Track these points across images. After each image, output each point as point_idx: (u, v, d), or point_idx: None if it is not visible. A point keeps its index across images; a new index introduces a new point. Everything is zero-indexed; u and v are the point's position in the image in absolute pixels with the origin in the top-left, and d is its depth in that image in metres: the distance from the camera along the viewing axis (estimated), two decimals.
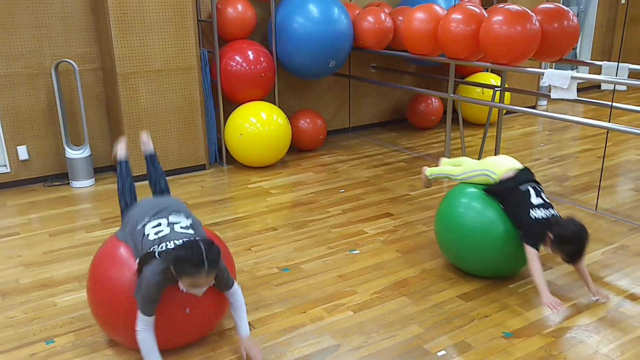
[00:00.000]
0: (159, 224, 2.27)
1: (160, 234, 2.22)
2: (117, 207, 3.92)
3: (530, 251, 2.59)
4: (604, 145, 4.10)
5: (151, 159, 2.85)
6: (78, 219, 3.80)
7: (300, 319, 2.59)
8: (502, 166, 2.85)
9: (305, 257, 3.20)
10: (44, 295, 2.83)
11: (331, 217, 3.76)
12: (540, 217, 2.60)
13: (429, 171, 3.37)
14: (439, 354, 2.32)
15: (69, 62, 4.25)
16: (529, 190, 2.70)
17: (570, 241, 2.51)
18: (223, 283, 2.23)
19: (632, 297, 2.74)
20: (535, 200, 2.66)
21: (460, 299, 2.74)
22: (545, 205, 2.66)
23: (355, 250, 3.28)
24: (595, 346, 2.36)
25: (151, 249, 2.16)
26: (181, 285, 2.09)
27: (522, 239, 2.64)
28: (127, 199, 2.64)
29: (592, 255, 3.16)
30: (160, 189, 2.77)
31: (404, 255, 3.20)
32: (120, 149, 2.83)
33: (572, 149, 5.36)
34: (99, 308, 2.30)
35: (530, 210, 2.62)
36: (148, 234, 2.23)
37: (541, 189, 2.76)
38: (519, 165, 2.86)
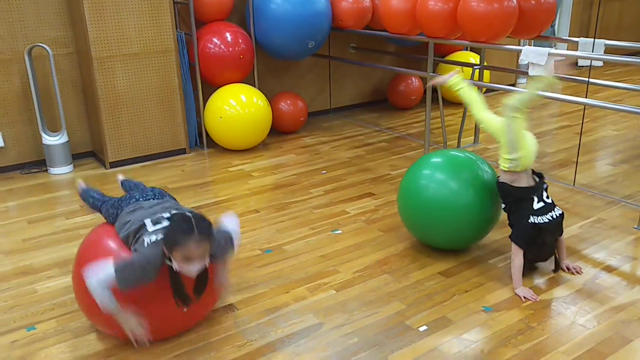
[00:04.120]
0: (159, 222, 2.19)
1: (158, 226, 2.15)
2: None
3: (515, 250, 2.62)
4: (581, 121, 4.15)
5: (124, 181, 2.84)
6: (57, 206, 3.76)
7: (284, 299, 2.60)
8: (528, 147, 2.65)
9: (287, 238, 3.21)
10: (24, 282, 2.80)
11: (313, 198, 3.77)
12: (537, 222, 2.59)
13: (455, 78, 2.97)
14: (421, 329, 2.36)
15: (43, 47, 4.16)
16: (533, 198, 2.63)
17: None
18: (221, 253, 2.19)
19: (608, 269, 2.80)
20: (536, 205, 2.61)
21: (441, 275, 2.78)
22: (546, 209, 2.62)
23: (337, 230, 3.30)
24: (572, 317, 2.42)
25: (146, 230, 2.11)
26: (175, 264, 2.01)
27: (512, 238, 2.64)
28: (112, 213, 2.40)
29: (569, 230, 3.21)
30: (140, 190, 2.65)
31: (386, 234, 3.23)
32: (80, 185, 2.76)
33: (550, 125, 5.41)
34: (83, 295, 2.27)
35: (530, 216, 2.60)
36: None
37: (545, 188, 2.69)
38: (534, 153, 2.71)
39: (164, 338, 2.30)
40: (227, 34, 4.67)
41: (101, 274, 1.98)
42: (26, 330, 2.41)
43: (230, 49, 4.65)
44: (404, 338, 2.30)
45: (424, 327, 2.37)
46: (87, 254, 2.24)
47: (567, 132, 5.17)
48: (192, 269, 2.03)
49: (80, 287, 2.23)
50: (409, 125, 5.46)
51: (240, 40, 4.69)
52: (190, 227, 1.99)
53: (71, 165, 4.43)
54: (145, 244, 2.06)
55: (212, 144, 4.90)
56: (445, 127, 4.62)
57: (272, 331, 2.37)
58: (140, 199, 2.37)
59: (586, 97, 3.85)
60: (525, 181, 2.65)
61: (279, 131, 5.26)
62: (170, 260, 2.04)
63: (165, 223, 2.12)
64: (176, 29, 4.54)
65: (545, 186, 2.69)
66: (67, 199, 3.88)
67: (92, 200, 2.60)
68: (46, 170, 4.39)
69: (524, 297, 2.55)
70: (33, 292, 2.71)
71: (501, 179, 2.70)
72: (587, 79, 3.96)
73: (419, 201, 2.85)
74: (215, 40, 4.63)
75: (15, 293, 2.70)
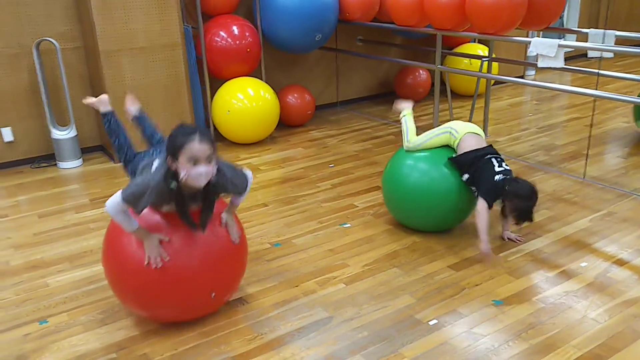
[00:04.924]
0: None
1: None
2: (106, 187, 3.93)
3: (482, 203, 2.77)
4: (592, 113, 4.12)
5: (141, 117, 2.81)
6: (67, 200, 3.78)
7: (293, 293, 2.60)
8: (464, 126, 3.02)
9: (296, 232, 3.21)
10: (36, 276, 2.82)
11: (321, 192, 3.77)
12: (501, 179, 2.80)
13: (405, 112, 3.32)
14: (431, 323, 2.36)
15: (51, 41, 4.17)
16: (492, 160, 2.87)
17: (521, 197, 2.73)
18: (221, 188, 2.22)
19: (620, 263, 2.78)
20: (498, 168, 2.84)
21: (450, 268, 2.78)
22: (507, 172, 2.84)
23: (345, 223, 3.30)
24: (583, 311, 2.41)
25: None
26: (182, 173, 2.01)
27: (479, 194, 2.82)
28: (126, 152, 2.58)
29: (579, 223, 3.20)
30: (157, 142, 2.70)
31: (394, 228, 3.22)
32: (103, 104, 2.77)
33: (559, 118, 5.37)
34: (115, 278, 2.28)
35: (495, 175, 2.81)
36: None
37: (502, 160, 2.92)
38: (480, 131, 3.04)
39: (192, 319, 2.36)
40: (234, 28, 4.65)
41: (113, 198, 2.07)
42: (39, 323, 2.43)
43: (237, 42, 4.64)
44: (414, 332, 2.30)
45: (434, 321, 2.37)
46: (114, 238, 2.27)
47: (577, 124, 5.13)
48: (199, 171, 2.01)
49: (111, 271, 2.29)
50: (417, 118, 5.34)
51: (247, 34, 4.68)
52: (192, 129, 2.04)
53: (80, 160, 4.44)
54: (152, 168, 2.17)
55: (219, 137, 4.90)
56: (453, 120, 4.59)
57: (282, 325, 2.38)
58: (154, 154, 2.43)
59: (596, 89, 3.81)
60: (475, 144, 2.92)
61: (287, 124, 5.25)
62: (174, 178, 2.05)
63: None
64: (183, 22, 4.53)
65: (499, 157, 2.92)
66: (77, 193, 3.90)
67: (119, 141, 2.64)
68: (55, 164, 4.41)
69: (485, 255, 2.74)
70: (44, 285, 2.73)
71: (453, 156, 2.96)
72: (597, 71, 3.92)
73: (403, 188, 3.04)
74: (222, 33, 4.62)
75: (27, 287, 2.72)
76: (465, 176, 2.90)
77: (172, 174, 2.06)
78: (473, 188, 2.92)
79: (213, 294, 2.29)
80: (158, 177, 2.08)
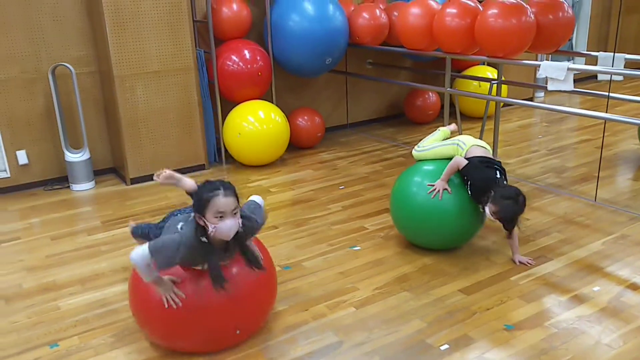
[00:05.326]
0: None
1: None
2: (118, 209, 3.96)
3: (461, 160, 2.93)
4: (602, 135, 4.10)
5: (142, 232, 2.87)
6: (79, 222, 3.81)
7: (303, 317, 2.60)
8: (471, 139, 3.15)
9: (306, 254, 3.22)
10: (47, 299, 2.84)
11: (331, 214, 3.77)
12: (494, 179, 2.90)
13: (444, 129, 3.49)
14: (442, 348, 2.34)
15: (66, 66, 4.25)
16: (497, 171, 2.95)
17: (506, 197, 2.78)
18: (248, 231, 2.27)
19: (633, 287, 2.75)
20: (498, 176, 2.93)
21: (461, 292, 2.76)
22: (502, 183, 2.93)
23: (356, 246, 3.29)
24: (597, 336, 2.38)
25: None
26: (211, 227, 2.08)
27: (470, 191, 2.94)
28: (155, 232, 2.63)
29: (592, 246, 3.17)
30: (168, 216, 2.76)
31: (405, 251, 3.21)
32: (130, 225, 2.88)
33: (570, 140, 5.36)
34: (141, 310, 2.31)
35: (492, 176, 2.90)
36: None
37: (506, 177, 3.00)
38: (487, 145, 3.16)
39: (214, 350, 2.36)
40: (246, 52, 4.73)
41: (139, 250, 2.10)
42: (49, 347, 2.44)
43: (249, 66, 4.70)
44: (425, 357, 2.28)
45: (445, 346, 2.35)
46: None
47: (587, 146, 5.11)
48: (227, 225, 2.09)
49: (135, 302, 2.32)
50: None
51: (258, 58, 4.75)
52: (215, 185, 2.11)
53: (93, 182, 4.49)
54: (178, 228, 2.22)
55: (230, 159, 4.94)
56: None
57: (292, 349, 2.37)
58: (178, 214, 2.50)
59: (607, 112, 3.81)
60: (480, 153, 3.04)
61: (297, 147, 5.28)
62: (204, 233, 2.11)
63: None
64: (196, 47, 4.61)
65: (504, 172, 3.00)
66: (89, 215, 3.93)
67: (141, 230, 2.76)
68: (68, 186, 4.46)
69: (435, 190, 2.93)
70: (56, 308, 2.75)
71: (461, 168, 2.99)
72: (607, 93, 3.92)
73: (411, 206, 3.08)
74: (234, 57, 4.69)
75: (39, 310, 2.74)
76: (469, 184, 2.96)
77: (200, 230, 2.12)
78: (480, 205, 2.94)
79: (238, 331, 2.30)
80: (187, 232, 2.14)
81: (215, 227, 2.08)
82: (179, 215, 2.49)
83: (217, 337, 2.30)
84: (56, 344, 2.46)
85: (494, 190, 2.81)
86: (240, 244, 2.23)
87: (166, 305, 2.16)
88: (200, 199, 2.10)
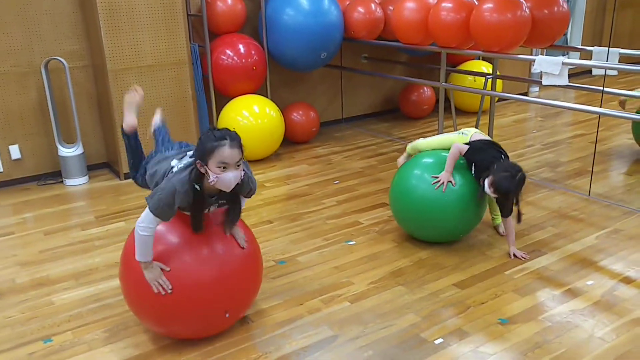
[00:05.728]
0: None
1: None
2: (111, 204, 3.94)
3: (460, 147, 2.97)
4: (596, 130, 4.12)
5: (163, 127, 2.81)
6: (73, 217, 3.79)
7: (298, 311, 2.60)
8: (473, 129, 3.26)
9: (301, 249, 3.21)
10: (41, 294, 2.82)
11: (326, 209, 3.77)
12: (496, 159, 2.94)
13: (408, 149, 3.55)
14: (436, 342, 2.34)
15: (59, 60, 4.22)
16: (500, 153, 3.01)
17: (506, 170, 2.80)
18: (245, 188, 2.23)
19: (626, 281, 2.76)
20: (505, 159, 2.97)
21: (456, 286, 2.76)
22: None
23: (350, 241, 3.29)
24: (590, 330, 2.39)
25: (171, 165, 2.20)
26: (212, 176, 2.03)
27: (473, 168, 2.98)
28: (140, 171, 2.55)
29: (586, 240, 3.19)
30: (162, 141, 2.69)
31: (400, 245, 3.21)
32: (131, 121, 2.74)
33: (564, 134, 5.38)
34: (132, 294, 2.29)
35: (495, 158, 2.94)
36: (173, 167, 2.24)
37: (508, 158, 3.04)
38: (487, 137, 3.22)
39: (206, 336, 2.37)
40: (240, 46, 4.70)
41: (143, 216, 2.07)
42: (43, 342, 2.43)
43: (243, 60, 4.68)
44: (419, 351, 2.29)
45: (440, 340, 2.35)
46: (132, 253, 2.26)
47: (582, 140, 5.13)
48: (228, 176, 2.03)
49: (128, 286, 2.30)
50: (421, 135, 5.43)
51: (253, 52, 4.73)
52: (222, 134, 2.04)
53: (86, 177, 4.47)
54: (174, 170, 2.15)
55: None
56: None
57: (287, 343, 2.37)
58: (165, 151, 2.44)
59: (601, 107, 3.82)
60: (482, 138, 3.12)
61: (292, 141, 5.27)
62: (198, 182, 2.07)
63: (190, 158, 2.18)
64: (190, 41, 4.59)
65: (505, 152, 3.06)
66: (83, 210, 3.92)
67: (130, 161, 2.68)
68: (62, 181, 4.43)
69: (440, 182, 2.94)
70: (49, 303, 2.73)
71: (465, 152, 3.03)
72: (601, 88, 3.93)
73: (410, 199, 3.09)
74: (228, 52, 4.67)
75: (32, 305, 2.73)
76: (473, 169, 3.00)
77: (197, 177, 2.07)
78: (481, 186, 2.93)
79: (227, 314, 2.30)
80: (183, 179, 2.08)
81: (217, 176, 2.02)
82: (164, 152, 2.40)
83: (207, 319, 2.28)
84: (50, 339, 2.45)
85: (496, 164, 2.85)
86: (232, 199, 2.19)
87: (155, 291, 2.14)
88: (205, 146, 2.02)
